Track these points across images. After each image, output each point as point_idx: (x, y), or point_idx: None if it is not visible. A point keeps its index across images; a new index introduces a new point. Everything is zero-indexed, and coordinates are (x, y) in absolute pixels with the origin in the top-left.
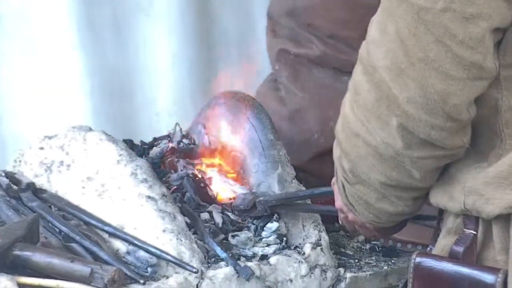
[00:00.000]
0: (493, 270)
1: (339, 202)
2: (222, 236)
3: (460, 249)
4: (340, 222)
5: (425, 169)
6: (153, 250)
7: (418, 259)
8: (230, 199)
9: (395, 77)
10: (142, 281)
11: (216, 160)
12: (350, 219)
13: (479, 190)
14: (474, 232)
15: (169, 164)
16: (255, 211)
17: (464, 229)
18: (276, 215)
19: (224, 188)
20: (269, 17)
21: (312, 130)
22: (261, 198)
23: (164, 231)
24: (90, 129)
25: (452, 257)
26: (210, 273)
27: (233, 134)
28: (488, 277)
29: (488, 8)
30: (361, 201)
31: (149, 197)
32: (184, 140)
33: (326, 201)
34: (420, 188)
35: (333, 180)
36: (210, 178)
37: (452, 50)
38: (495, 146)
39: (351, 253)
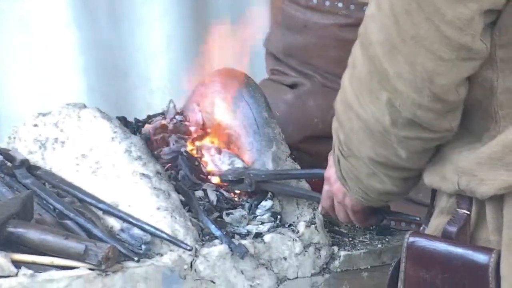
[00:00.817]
0: (486, 250)
1: (330, 172)
2: (217, 214)
3: (453, 229)
4: (318, 210)
5: (411, 149)
6: (147, 227)
7: (411, 239)
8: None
9: (387, 52)
10: (136, 259)
11: (210, 138)
12: (336, 196)
13: (473, 171)
14: (468, 212)
15: (161, 139)
16: (241, 185)
17: (457, 209)
18: (270, 193)
19: (215, 163)
20: (268, 52)
21: (312, 115)
22: (250, 172)
23: (158, 208)
24: (84, 106)
25: (445, 237)
26: (204, 250)
27: (227, 111)
28: (481, 257)
29: None
30: (352, 175)
31: (143, 174)
32: (177, 117)
33: (319, 181)
34: (408, 169)
35: (330, 152)
36: (200, 151)
37: (441, 30)
38: (489, 127)
39: (345, 231)
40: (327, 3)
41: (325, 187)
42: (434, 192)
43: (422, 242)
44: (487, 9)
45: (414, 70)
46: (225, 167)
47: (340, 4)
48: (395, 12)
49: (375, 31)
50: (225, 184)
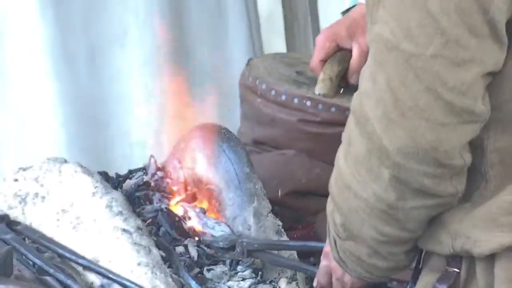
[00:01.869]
0: None
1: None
2: (197, 270)
3: (443, 287)
4: (315, 284)
5: (418, 219)
6: (127, 283)
7: None
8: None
9: (385, 127)
10: None
11: (191, 195)
12: (335, 272)
13: (466, 233)
14: (457, 270)
15: (144, 196)
16: (233, 252)
17: (447, 267)
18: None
19: (199, 224)
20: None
21: (295, 172)
22: (243, 240)
23: (139, 264)
24: (65, 161)
25: None
26: None
27: (208, 167)
28: None
29: (481, 53)
30: (353, 257)
31: (124, 230)
32: (159, 173)
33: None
34: (412, 239)
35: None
36: (185, 212)
37: (443, 97)
38: (479, 187)
39: None
40: (296, 100)
41: (323, 262)
42: (420, 253)
43: None
44: (488, 71)
45: (416, 143)
46: (209, 230)
47: (308, 103)
48: (391, 85)
49: (372, 107)
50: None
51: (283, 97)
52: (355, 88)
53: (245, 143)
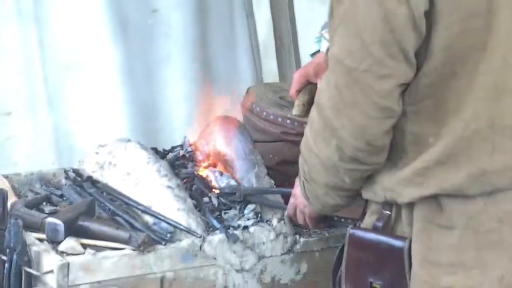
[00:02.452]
0: (402, 238)
1: (297, 190)
2: (217, 213)
3: (380, 224)
4: (289, 211)
5: (354, 177)
6: (171, 222)
7: (352, 231)
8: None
9: (335, 114)
10: (163, 243)
11: (214, 162)
12: (298, 206)
13: (393, 188)
14: (389, 213)
15: (181, 164)
16: (234, 196)
17: (382, 211)
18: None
19: (216, 181)
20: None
21: (283, 147)
22: (241, 187)
23: (178, 209)
24: (129, 140)
25: (375, 229)
26: (209, 238)
27: (225, 144)
28: (398, 243)
29: (396, 71)
30: (313, 194)
31: (168, 186)
32: (189, 148)
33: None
34: (351, 189)
35: (297, 177)
36: (210, 174)
37: (371, 98)
38: (402, 157)
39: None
40: (279, 119)
41: (291, 200)
42: (366, 201)
43: (359, 233)
44: (401, 83)
45: (353, 125)
46: (223, 184)
47: (288, 121)
48: (338, 86)
49: (326, 98)
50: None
51: (271, 117)
52: None
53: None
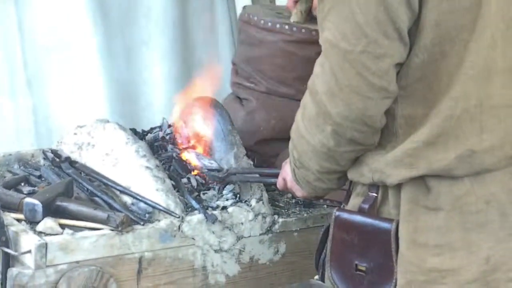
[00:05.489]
0: (388, 220)
1: (287, 173)
2: (196, 193)
3: (366, 206)
4: (279, 186)
5: (348, 158)
6: (149, 202)
7: (337, 213)
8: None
9: (329, 98)
10: (142, 223)
11: (193, 144)
12: (289, 183)
13: (382, 169)
14: (376, 195)
15: (160, 145)
16: (219, 173)
17: (369, 192)
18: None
19: (195, 161)
20: (233, 63)
21: (259, 125)
22: (221, 168)
23: (157, 190)
24: (108, 121)
25: (360, 211)
26: (188, 218)
27: (204, 125)
28: (385, 225)
29: (391, 50)
30: (304, 180)
31: (147, 167)
32: (168, 130)
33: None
34: (342, 171)
35: (286, 161)
36: (189, 155)
37: (368, 79)
38: (391, 140)
39: (283, 205)
40: (277, 26)
41: (280, 180)
42: (351, 183)
43: (344, 215)
44: (397, 62)
45: (350, 110)
46: (203, 164)
47: (286, 27)
48: (334, 70)
49: (320, 84)
50: (203, 174)
51: (269, 24)
52: (315, 18)
53: (234, 67)
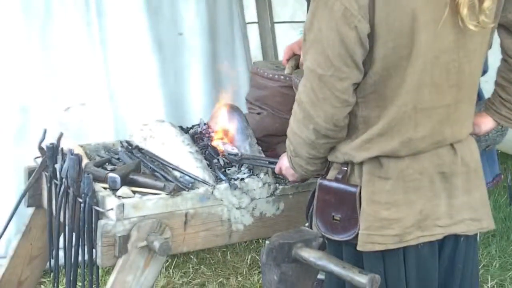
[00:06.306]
0: (354, 185)
1: (283, 161)
2: (223, 169)
3: (340, 176)
4: (277, 171)
5: (326, 148)
6: (192, 175)
7: (320, 181)
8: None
9: (311, 106)
10: (187, 190)
11: (221, 136)
12: (284, 170)
13: (349, 152)
14: (346, 169)
15: (199, 137)
16: (236, 157)
17: (342, 167)
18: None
19: (222, 148)
20: (247, 100)
21: (267, 125)
22: (243, 153)
23: (197, 167)
24: (164, 121)
25: (336, 180)
26: (218, 186)
27: (228, 123)
28: (352, 189)
29: (350, 74)
30: (298, 165)
31: (190, 151)
32: (204, 126)
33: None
34: (324, 157)
35: (283, 155)
36: (218, 143)
37: (335, 94)
38: (355, 132)
39: (281, 178)
40: (276, 76)
41: (278, 163)
42: (329, 162)
43: (325, 182)
44: (354, 82)
45: (325, 114)
46: (228, 150)
47: (282, 77)
48: (313, 87)
49: (304, 96)
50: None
51: (271, 75)
52: (301, 71)
53: (248, 101)
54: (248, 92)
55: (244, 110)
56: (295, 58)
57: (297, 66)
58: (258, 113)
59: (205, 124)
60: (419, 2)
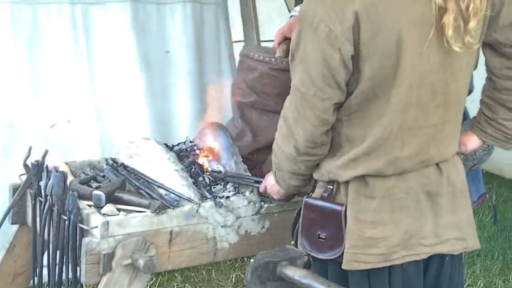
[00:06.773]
0: (340, 204)
1: (269, 179)
2: (209, 187)
3: (325, 194)
4: (261, 190)
5: (306, 165)
6: (177, 193)
7: (306, 199)
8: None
9: (294, 123)
10: (172, 208)
11: (206, 153)
12: (268, 188)
13: (334, 171)
14: (332, 187)
15: (184, 155)
16: (220, 175)
17: (327, 186)
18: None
19: (208, 166)
20: (233, 84)
21: (250, 141)
22: (227, 172)
23: (182, 185)
24: (149, 139)
25: (322, 198)
26: (203, 204)
27: (214, 141)
28: (338, 207)
29: (332, 95)
30: (282, 179)
31: (175, 169)
32: (190, 144)
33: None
34: (306, 174)
35: (269, 174)
36: (203, 161)
37: (316, 113)
38: (339, 150)
39: (266, 196)
40: (267, 59)
41: (262, 186)
42: (315, 180)
43: (311, 201)
44: (335, 103)
45: (305, 132)
46: (213, 168)
47: (273, 59)
48: (296, 105)
49: (288, 113)
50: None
51: (261, 57)
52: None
53: (234, 83)
54: (234, 77)
55: (229, 125)
56: (286, 42)
57: (288, 49)
58: (239, 133)
59: (190, 141)
60: (404, 23)
